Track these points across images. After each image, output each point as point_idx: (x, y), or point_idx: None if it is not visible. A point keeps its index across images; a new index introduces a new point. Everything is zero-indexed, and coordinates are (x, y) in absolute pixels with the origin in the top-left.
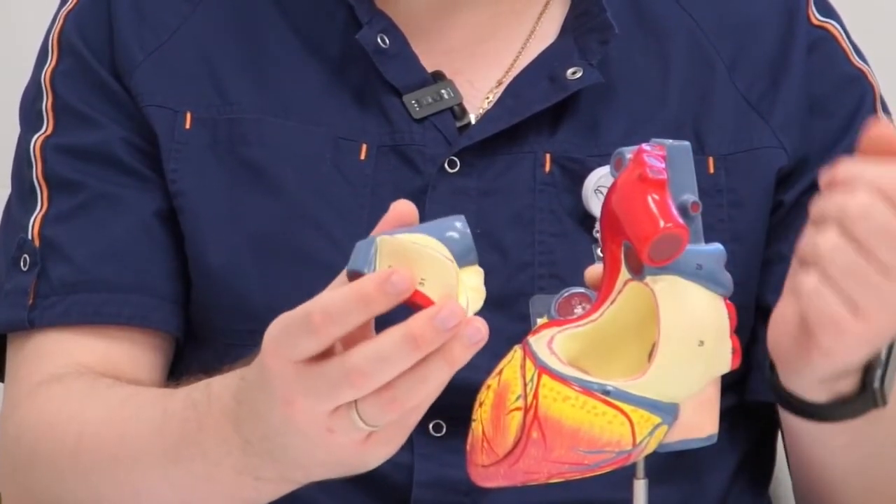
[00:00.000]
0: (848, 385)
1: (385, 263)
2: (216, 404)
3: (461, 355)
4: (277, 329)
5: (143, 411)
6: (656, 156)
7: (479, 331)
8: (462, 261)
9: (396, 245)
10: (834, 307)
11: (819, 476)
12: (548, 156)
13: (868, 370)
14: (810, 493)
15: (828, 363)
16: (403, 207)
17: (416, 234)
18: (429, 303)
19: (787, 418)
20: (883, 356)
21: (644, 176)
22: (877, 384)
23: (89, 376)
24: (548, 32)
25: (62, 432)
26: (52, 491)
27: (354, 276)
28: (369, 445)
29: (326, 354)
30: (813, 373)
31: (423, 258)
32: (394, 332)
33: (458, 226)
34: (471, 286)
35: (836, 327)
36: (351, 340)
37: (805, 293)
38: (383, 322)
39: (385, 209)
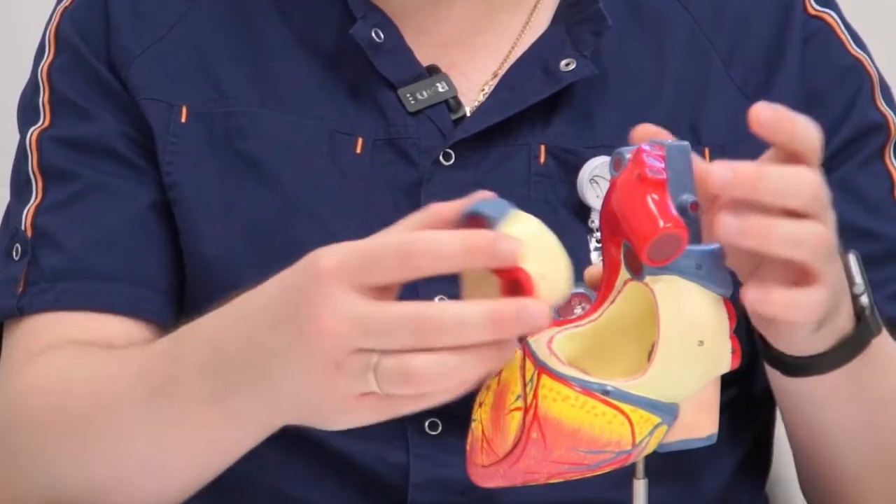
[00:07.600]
0: (843, 324)
1: (513, 230)
2: (199, 329)
3: (493, 362)
4: (352, 250)
5: (128, 357)
6: (655, 156)
7: (515, 352)
8: None
9: (534, 226)
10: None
11: (824, 441)
12: (542, 147)
13: (853, 300)
14: (816, 469)
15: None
16: None
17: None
18: (530, 292)
19: (790, 391)
20: (859, 280)
21: (643, 176)
22: (868, 311)
23: (82, 344)
24: (542, 22)
25: (48, 391)
26: (35, 453)
27: (473, 218)
28: (352, 404)
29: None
30: (805, 331)
31: (553, 255)
32: (482, 303)
33: None
34: None
35: (793, 307)
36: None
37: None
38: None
39: (381, 202)
